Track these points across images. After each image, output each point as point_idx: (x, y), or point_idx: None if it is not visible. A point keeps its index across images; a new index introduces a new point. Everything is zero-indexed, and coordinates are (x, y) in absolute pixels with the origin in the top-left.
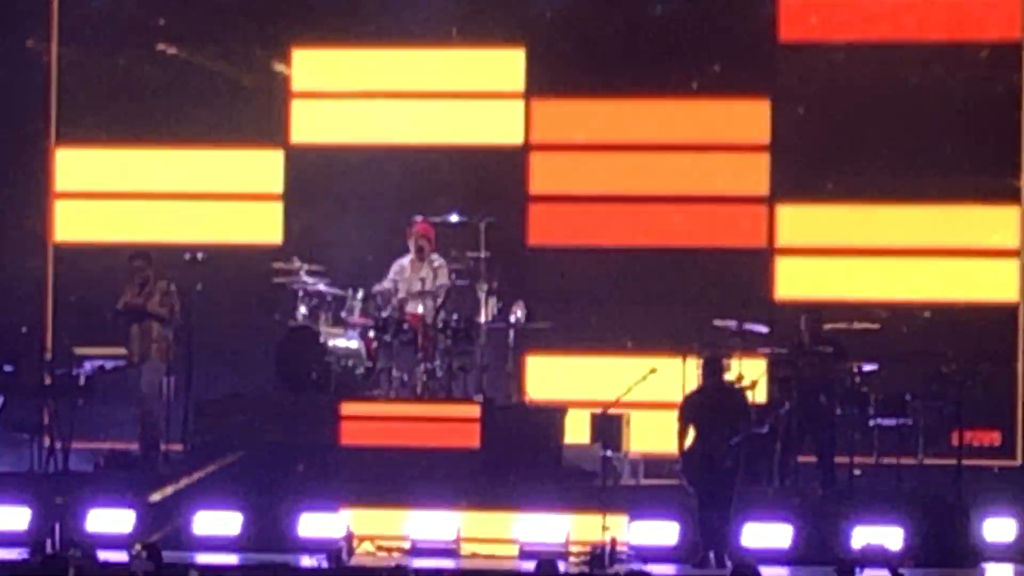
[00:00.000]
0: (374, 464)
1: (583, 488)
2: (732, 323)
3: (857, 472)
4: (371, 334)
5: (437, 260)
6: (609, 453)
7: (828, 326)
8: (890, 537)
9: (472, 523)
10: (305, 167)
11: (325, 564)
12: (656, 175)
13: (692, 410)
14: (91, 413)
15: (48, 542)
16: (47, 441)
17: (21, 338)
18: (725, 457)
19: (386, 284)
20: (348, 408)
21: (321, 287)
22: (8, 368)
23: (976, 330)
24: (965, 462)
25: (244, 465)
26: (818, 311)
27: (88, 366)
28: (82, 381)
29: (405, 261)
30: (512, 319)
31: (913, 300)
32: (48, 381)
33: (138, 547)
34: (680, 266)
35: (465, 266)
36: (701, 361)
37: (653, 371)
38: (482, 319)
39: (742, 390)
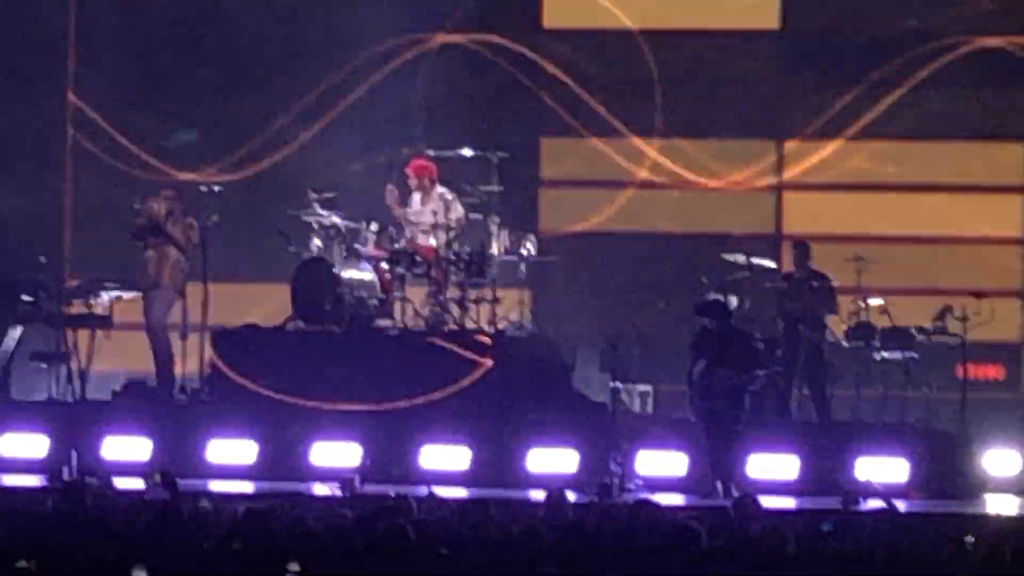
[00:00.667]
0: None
1: (593, 418)
2: (740, 256)
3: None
4: (384, 265)
5: (448, 194)
6: (619, 384)
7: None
8: (894, 469)
9: (483, 453)
10: None
11: (339, 492)
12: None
13: (702, 347)
14: (109, 342)
15: (65, 470)
16: (65, 370)
17: (40, 268)
18: (729, 394)
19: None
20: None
21: (335, 219)
22: (27, 298)
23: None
24: (969, 395)
25: (261, 397)
26: (805, 244)
27: (105, 296)
28: (100, 310)
29: (415, 196)
30: (523, 252)
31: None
32: (67, 311)
33: (156, 476)
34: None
35: (479, 199)
36: (705, 302)
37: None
38: (494, 252)
39: (749, 333)
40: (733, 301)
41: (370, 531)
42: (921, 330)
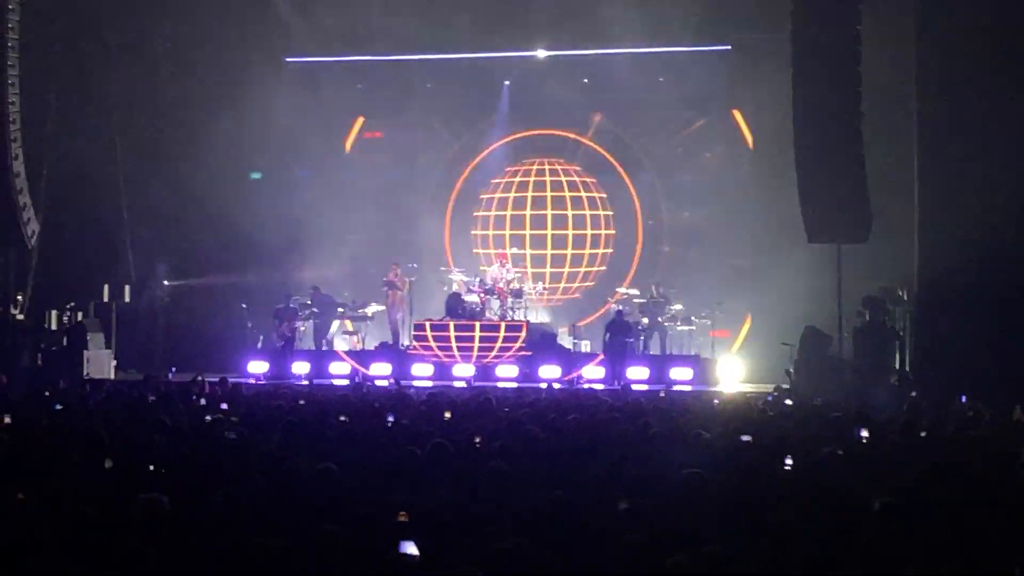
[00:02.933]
0: None
1: (565, 355)
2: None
3: None
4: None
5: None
6: (575, 340)
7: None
8: (685, 374)
9: (523, 369)
10: None
11: (464, 384)
12: None
13: (611, 325)
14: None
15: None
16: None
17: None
18: (621, 341)
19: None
20: None
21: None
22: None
23: None
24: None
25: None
26: (659, 284)
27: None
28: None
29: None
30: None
31: None
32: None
33: (393, 380)
34: None
35: None
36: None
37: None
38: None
39: (628, 321)
40: (617, 307)
41: (476, 397)
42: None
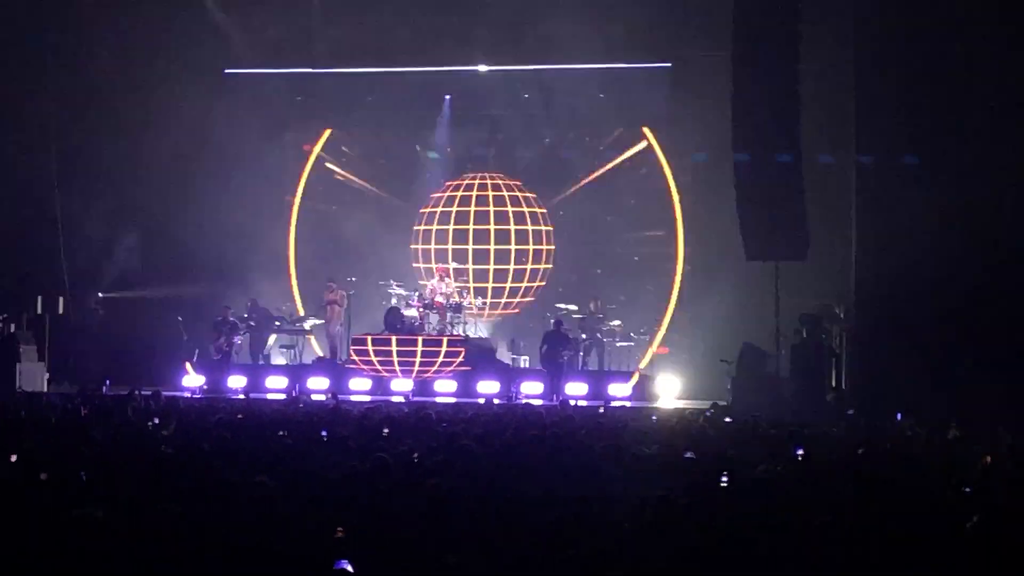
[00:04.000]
0: None
1: (505, 370)
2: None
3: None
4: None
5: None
6: (515, 356)
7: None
8: (624, 390)
9: (461, 384)
10: None
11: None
12: None
13: (548, 338)
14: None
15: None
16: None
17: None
18: (560, 356)
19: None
20: None
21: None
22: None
23: None
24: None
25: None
26: (598, 299)
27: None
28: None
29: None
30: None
31: None
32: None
33: (331, 395)
34: None
35: None
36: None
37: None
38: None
39: (567, 334)
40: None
41: (416, 412)
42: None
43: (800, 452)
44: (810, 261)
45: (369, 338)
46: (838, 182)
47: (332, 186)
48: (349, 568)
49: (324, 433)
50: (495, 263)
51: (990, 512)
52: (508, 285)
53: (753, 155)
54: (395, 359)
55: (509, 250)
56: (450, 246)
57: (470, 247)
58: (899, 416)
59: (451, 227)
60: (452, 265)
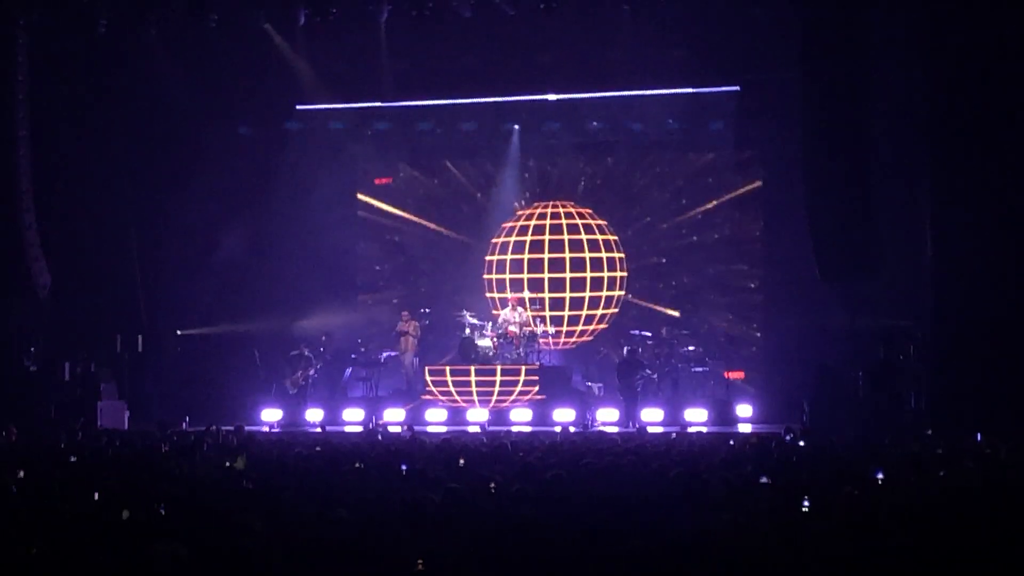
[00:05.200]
0: None
1: (580, 397)
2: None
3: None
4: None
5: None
6: (589, 383)
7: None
8: (699, 415)
9: (536, 412)
10: None
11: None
12: None
13: (621, 367)
14: None
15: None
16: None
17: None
18: (635, 382)
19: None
20: None
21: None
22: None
23: None
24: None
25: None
26: (669, 326)
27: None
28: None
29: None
30: None
31: None
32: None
33: (407, 427)
34: None
35: None
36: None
37: None
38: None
39: (640, 360)
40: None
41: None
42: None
43: (880, 476)
44: (885, 279)
45: (447, 368)
46: (913, 199)
47: (401, 218)
48: None
49: (404, 467)
50: (571, 291)
51: None
52: (584, 313)
53: (824, 175)
54: (473, 389)
55: (584, 278)
56: (526, 275)
57: (546, 275)
58: (978, 436)
59: (526, 256)
60: (527, 295)
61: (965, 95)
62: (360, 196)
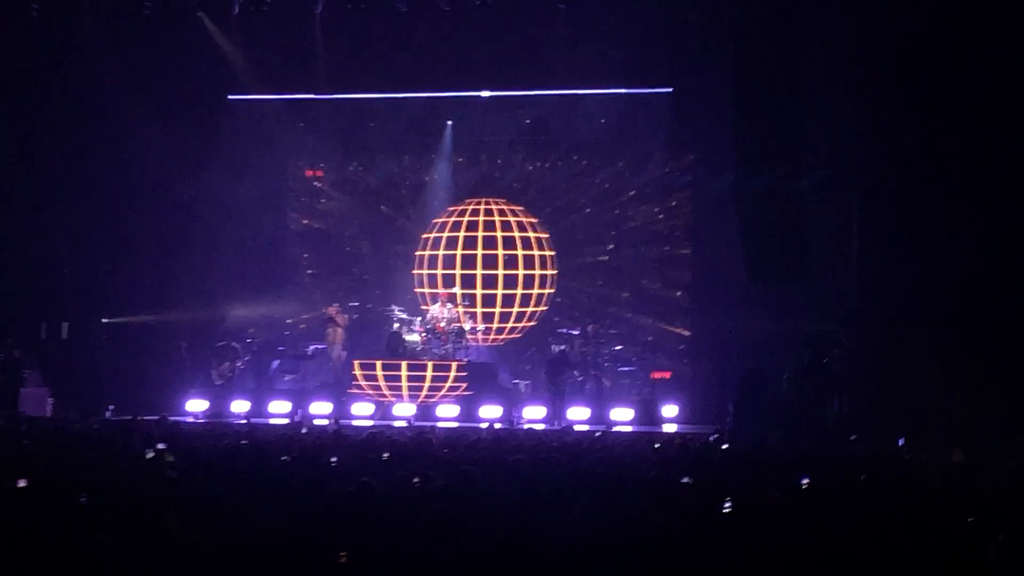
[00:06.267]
0: None
1: (506, 394)
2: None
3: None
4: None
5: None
6: (516, 381)
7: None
8: (626, 415)
9: (464, 409)
10: None
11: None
12: None
13: (550, 364)
14: None
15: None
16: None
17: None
18: (562, 380)
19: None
20: None
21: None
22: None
23: None
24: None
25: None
26: (596, 325)
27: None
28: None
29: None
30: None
31: None
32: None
33: (335, 421)
34: None
35: None
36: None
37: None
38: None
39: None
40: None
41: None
42: None
43: (805, 481)
44: (813, 285)
45: (379, 363)
46: (839, 205)
47: (334, 211)
48: None
49: (334, 459)
50: (503, 288)
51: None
52: (515, 310)
53: (754, 179)
54: (404, 384)
55: (517, 275)
56: (458, 271)
57: (479, 272)
58: (900, 441)
59: (459, 252)
60: (458, 290)
61: (896, 99)
62: (290, 188)
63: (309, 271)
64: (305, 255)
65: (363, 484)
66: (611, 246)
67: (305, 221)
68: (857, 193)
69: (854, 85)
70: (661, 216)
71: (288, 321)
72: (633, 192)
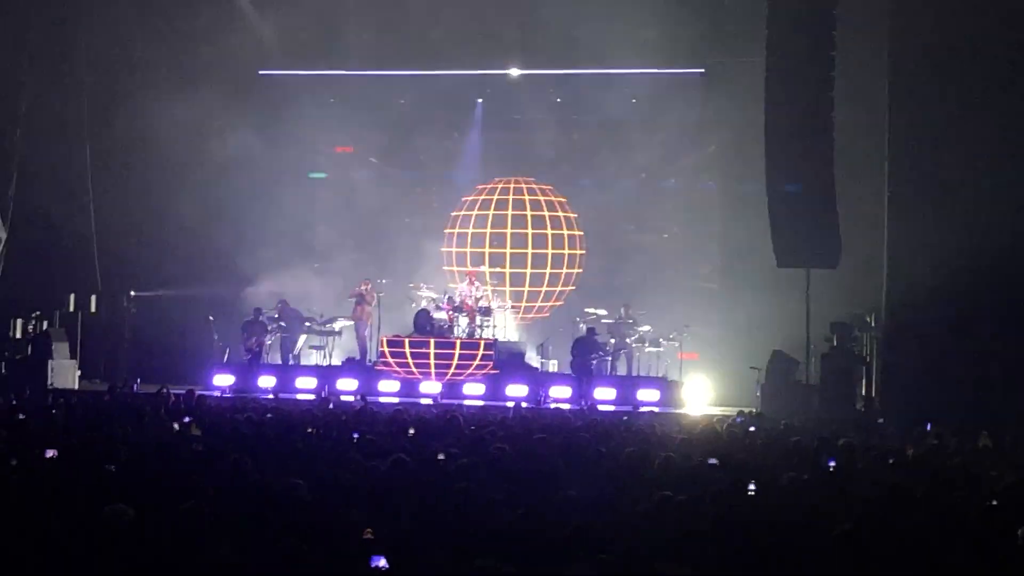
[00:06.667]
0: None
1: (533, 373)
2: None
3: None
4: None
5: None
6: (542, 359)
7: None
8: (651, 395)
9: (489, 388)
10: None
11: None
12: None
13: (577, 344)
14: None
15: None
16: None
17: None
18: (589, 360)
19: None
20: None
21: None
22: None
23: None
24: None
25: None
26: (628, 305)
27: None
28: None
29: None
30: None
31: None
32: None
33: (360, 396)
34: None
35: None
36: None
37: None
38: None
39: (596, 340)
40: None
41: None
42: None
43: (832, 464)
44: (841, 269)
45: (406, 339)
46: (871, 189)
47: (363, 188)
48: (384, 564)
49: (355, 435)
50: (532, 267)
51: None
52: (544, 289)
53: (786, 161)
54: (432, 361)
55: (545, 254)
56: (487, 249)
57: (508, 251)
58: (928, 425)
59: (488, 230)
60: (488, 269)
61: (929, 85)
62: (320, 164)
63: (338, 247)
64: (334, 231)
65: (398, 460)
66: (640, 226)
67: (334, 197)
68: (887, 173)
69: (886, 67)
70: (690, 196)
71: (316, 297)
72: (662, 172)
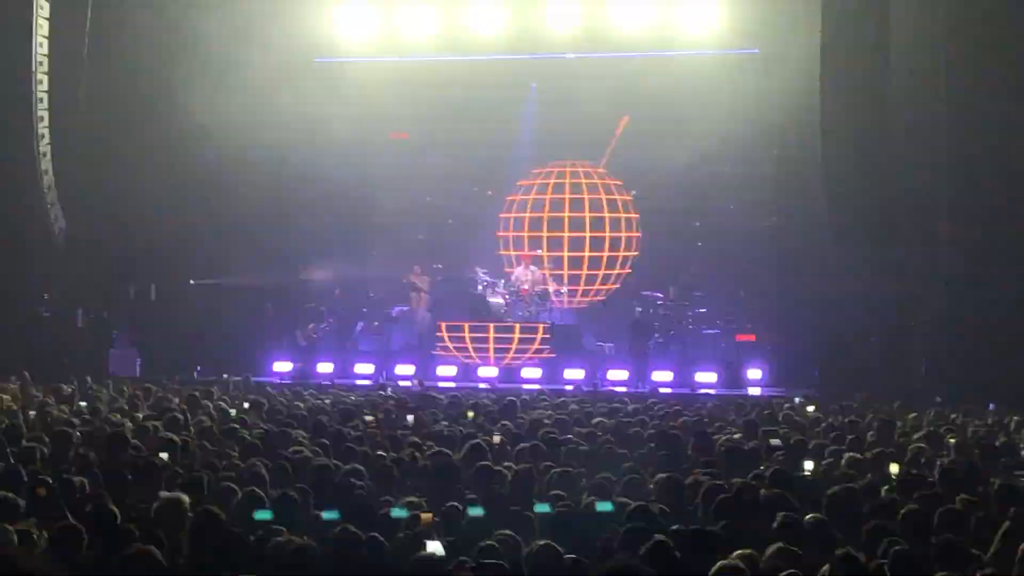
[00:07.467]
0: None
1: (590, 357)
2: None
3: None
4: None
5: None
6: (599, 343)
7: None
8: (710, 377)
9: (547, 371)
10: None
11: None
12: None
13: (634, 326)
14: None
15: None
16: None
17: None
18: (646, 343)
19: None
20: None
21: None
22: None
23: None
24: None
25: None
26: (685, 287)
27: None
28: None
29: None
30: None
31: None
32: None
33: (418, 382)
34: None
35: None
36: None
37: None
38: None
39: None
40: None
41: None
42: None
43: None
44: (899, 246)
45: (466, 324)
46: (930, 167)
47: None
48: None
49: (410, 419)
50: (590, 250)
51: None
52: (601, 272)
53: (842, 141)
54: (491, 345)
55: (603, 237)
56: (545, 233)
57: (566, 234)
58: (991, 405)
59: (545, 215)
60: (546, 252)
61: (983, 66)
62: (375, 151)
63: (394, 233)
64: (390, 217)
65: (476, 446)
66: (694, 208)
67: (390, 184)
68: (946, 152)
69: (942, 54)
70: (747, 178)
71: (372, 283)
72: (718, 154)
